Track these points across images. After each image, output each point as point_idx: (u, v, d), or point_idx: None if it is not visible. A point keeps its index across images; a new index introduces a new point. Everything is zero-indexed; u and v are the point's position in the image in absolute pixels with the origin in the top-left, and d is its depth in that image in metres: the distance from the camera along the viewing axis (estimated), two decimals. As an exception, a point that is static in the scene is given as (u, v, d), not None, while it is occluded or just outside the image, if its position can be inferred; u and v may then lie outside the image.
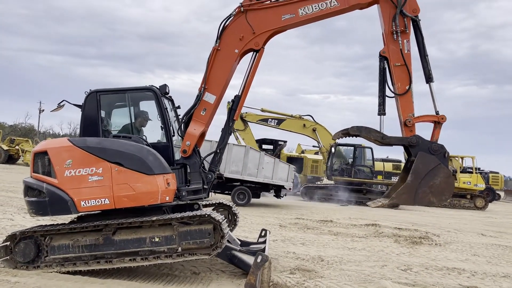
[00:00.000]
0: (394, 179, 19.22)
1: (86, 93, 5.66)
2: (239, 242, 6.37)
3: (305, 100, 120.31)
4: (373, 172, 19.68)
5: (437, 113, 5.83)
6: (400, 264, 6.93)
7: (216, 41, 5.90)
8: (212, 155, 6.16)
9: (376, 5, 5.91)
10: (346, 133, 6.27)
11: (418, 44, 5.78)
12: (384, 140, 5.81)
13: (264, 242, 6.51)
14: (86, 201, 5.08)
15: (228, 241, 5.59)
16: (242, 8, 5.84)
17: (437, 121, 5.72)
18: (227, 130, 6.20)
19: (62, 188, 5.11)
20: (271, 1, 5.91)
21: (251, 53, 6.07)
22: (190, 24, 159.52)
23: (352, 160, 19.81)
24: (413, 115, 5.69)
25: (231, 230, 6.62)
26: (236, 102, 6.09)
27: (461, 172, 23.70)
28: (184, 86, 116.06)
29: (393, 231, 10.65)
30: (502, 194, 32.60)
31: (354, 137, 6.38)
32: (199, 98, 5.92)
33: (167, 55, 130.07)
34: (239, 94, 6.12)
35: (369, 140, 6.07)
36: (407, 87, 5.71)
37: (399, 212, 17.01)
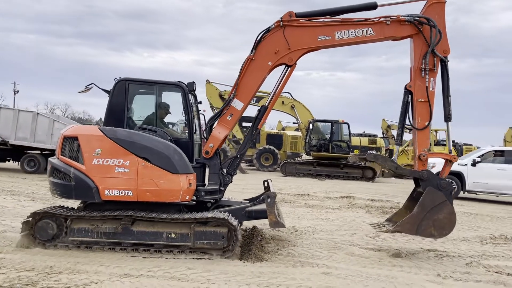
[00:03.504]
0: (370, 152, 19.80)
1: (115, 80, 5.82)
2: (248, 202, 6.73)
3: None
4: (350, 147, 20.18)
5: (449, 151, 6.14)
6: (369, 232, 7.39)
7: (252, 50, 6.01)
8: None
9: (409, 38, 6.07)
10: (363, 158, 6.65)
11: (443, 84, 5.97)
12: (397, 171, 6.16)
13: (268, 189, 6.84)
14: (110, 191, 5.34)
15: (240, 202, 6.32)
16: (281, 22, 5.93)
17: (449, 160, 6.00)
18: (250, 137, 6.43)
19: (88, 175, 5.35)
20: (309, 20, 6.01)
21: (283, 66, 6.18)
22: (170, 1, 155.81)
23: (329, 135, 20.25)
24: (428, 150, 5.97)
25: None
26: (262, 112, 6.29)
27: (435, 145, 24.54)
28: (165, 64, 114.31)
29: (366, 202, 11.17)
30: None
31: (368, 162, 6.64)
32: (227, 103, 6.08)
33: (146, 33, 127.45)
34: (266, 105, 6.31)
35: (384, 168, 6.36)
36: (426, 123, 5.94)
37: (374, 184, 17.66)
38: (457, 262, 5.81)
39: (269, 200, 5.59)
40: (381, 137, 29.73)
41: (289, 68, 6.11)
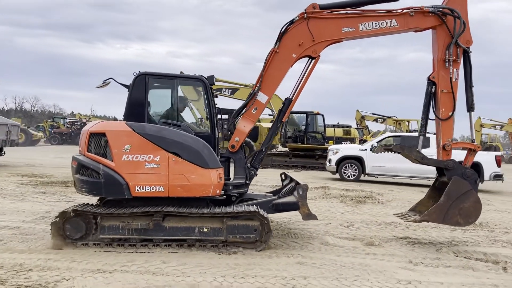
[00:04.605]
0: (344, 144, 20.06)
1: (134, 74, 5.72)
2: (272, 194, 6.76)
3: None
4: (324, 138, 20.38)
5: (472, 141, 6.28)
6: (343, 222, 7.51)
7: (276, 43, 5.95)
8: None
9: (431, 30, 6.10)
10: (388, 149, 6.71)
11: (465, 74, 6.02)
12: (423, 161, 6.19)
13: (290, 181, 6.91)
14: (141, 187, 5.27)
15: (265, 195, 6.50)
16: (305, 14, 5.88)
17: (473, 149, 6.11)
18: (275, 130, 6.44)
19: (118, 171, 5.25)
20: (331, 11, 5.97)
21: (306, 58, 6.14)
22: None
23: (304, 127, 20.39)
24: (451, 140, 6.06)
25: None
26: (287, 104, 6.25)
27: (407, 135, 25.05)
28: (137, 56, 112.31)
29: (340, 192, 11.33)
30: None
31: (396, 153, 6.67)
32: (251, 96, 6.01)
33: (118, 23, 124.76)
34: (290, 97, 6.27)
35: (409, 158, 6.43)
36: (450, 113, 6.00)
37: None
38: (428, 248, 5.96)
39: (301, 192, 5.70)
40: (355, 128, 30.17)
41: (313, 60, 6.10)
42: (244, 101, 6.20)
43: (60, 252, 5.09)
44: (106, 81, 6.08)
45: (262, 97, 6.01)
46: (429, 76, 6.08)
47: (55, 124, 41.54)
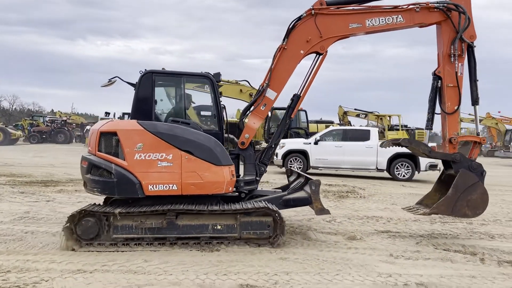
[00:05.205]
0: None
1: (141, 72, 5.67)
2: (281, 190, 6.76)
3: (246, 65, 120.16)
4: (307, 134, 20.45)
5: (478, 134, 6.38)
6: (326, 217, 7.55)
7: (284, 39, 5.96)
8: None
9: (435, 25, 6.17)
10: (397, 143, 6.76)
11: (469, 69, 6.11)
12: (431, 154, 6.28)
13: (298, 176, 6.96)
14: (154, 186, 5.25)
15: (274, 191, 6.55)
16: (313, 11, 5.90)
17: (478, 142, 6.22)
18: (284, 126, 6.45)
19: (131, 170, 5.22)
20: (338, 8, 5.99)
21: (314, 54, 6.15)
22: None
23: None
24: (458, 134, 6.14)
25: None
26: (295, 101, 6.28)
27: (388, 129, 25.38)
28: (119, 53, 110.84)
29: (323, 187, 11.38)
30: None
31: (403, 147, 6.72)
32: (260, 93, 6.01)
33: (100, 20, 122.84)
34: (298, 93, 6.28)
35: (417, 152, 6.53)
36: (455, 107, 6.10)
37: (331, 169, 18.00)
38: (408, 241, 6.06)
39: (314, 187, 5.75)
40: (338, 124, 30.39)
41: (321, 56, 6.13)
42: (252, 99, 6.22)
43: (39, 253, 5.01)
44: (112, 79, 6.06)
45: (271, 94, 6.04)
46: (434, 71, 6.18)
47: (34, 122, 40.74)
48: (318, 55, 6.17)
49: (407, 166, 14.47)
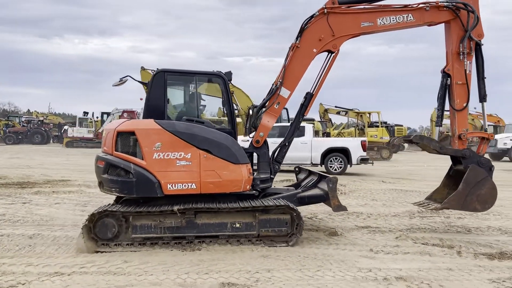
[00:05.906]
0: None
1: (152, 72, 5.53)
2: (294, 188, 6.79)
3: (227, 63, 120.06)
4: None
5: (485, 130, 6.52)
6: (307, 213, 7.60)
7: (297, 38, 5.96)
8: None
9: (444, 24, 6.25)
10: (408, 140, 6.79)
11: (477, 67, 6.21)
12: (441, 150, 6.33)
13: (309, 174, 7.02)
14: (173, 185, 5.23)
15: (287, 188, 6.63)
16: (325, 10, 5.91)
17: (487, 138, 6.32)
18: (297, 124, 6.44)
19: (150, 170, 5.19)
20: (349, 6, 6.02)
21: (326, 53, 6.16)
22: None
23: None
24: (467, 130, 6.23)
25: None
26: (308, 99, 6.29)
27: (368, 126, 25.69)
28: (98, 51, 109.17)
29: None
30: (406, 144, 35.84)
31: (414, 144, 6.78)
32: (273, 92, 6.00)
33: (77, 18, 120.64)
34: (312, 92, 6.29)
35: (428, 148, 6.56)
36: (464, 104, 6.19)
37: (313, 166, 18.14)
38: (387, 236, 6.14)
39: (331, 185, 5.82)
40: (319, 121, 30.62)
41: (333, 55, 6.16)
42: (265, 97, 6.19)
43: (15, 256, 4.89)
44: (123, 78, 6.02)
45: (284, 92, 6.06)
46: (443, 69, 6.29)
47: (10, 123, 39.77)
48: (330, 54, 6.24)
49: (340, 160, 14.88)
